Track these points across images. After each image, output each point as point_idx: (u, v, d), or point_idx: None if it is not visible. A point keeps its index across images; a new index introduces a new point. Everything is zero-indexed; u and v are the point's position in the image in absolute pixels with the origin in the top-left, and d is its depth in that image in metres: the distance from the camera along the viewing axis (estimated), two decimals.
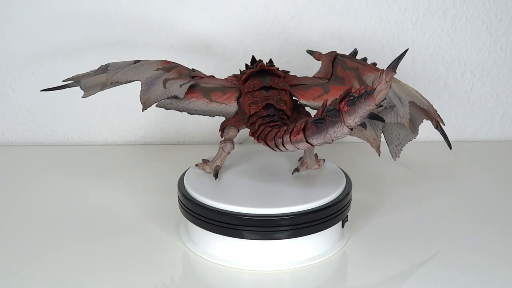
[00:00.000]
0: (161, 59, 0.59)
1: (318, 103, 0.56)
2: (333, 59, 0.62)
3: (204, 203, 0.53)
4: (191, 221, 0.54)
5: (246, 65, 0.60)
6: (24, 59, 0.82)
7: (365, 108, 0.42)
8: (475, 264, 0.53)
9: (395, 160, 0.59)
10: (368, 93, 0.42)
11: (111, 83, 0.56)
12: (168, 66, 0.58)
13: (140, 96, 0.54)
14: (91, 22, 0.80)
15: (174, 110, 0.56)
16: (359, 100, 0.42)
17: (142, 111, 0.54)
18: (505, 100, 0.85)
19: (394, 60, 0.41)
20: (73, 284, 0.51)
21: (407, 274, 0.52)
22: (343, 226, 0.57)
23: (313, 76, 0.61)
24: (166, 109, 0.56)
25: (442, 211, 0.64)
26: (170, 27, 0.80)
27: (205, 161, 0.59)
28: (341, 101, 0.44)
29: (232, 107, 0.56)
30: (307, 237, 0.52)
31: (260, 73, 0.57)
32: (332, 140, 0.45)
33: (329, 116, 0.44)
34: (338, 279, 0.53)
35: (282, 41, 0.81)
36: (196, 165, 0.60)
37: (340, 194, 0.54)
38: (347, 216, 0.57)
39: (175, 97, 0.54)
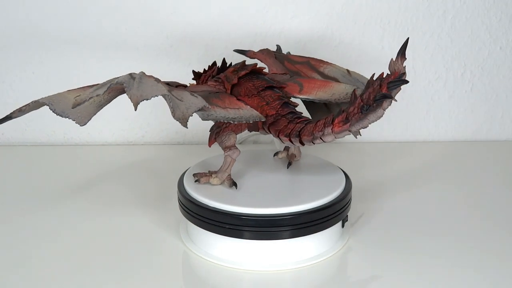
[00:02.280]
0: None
1: (305, 96, 0.57)
2: (274, 56, 0.63)
3: (204, 203, 0.53)
4: (191, 221, 0.54)
5: (205, 68, 0.59)
6: (24, 59, 0.82)
7: (398, 90, 0.48)
8: (475, 264, 0.53)
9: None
10: (400, 76, 0.47)
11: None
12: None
13: (178, 114, 0.49)
14: (91, 22, 0.80)
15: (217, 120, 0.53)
16: (396, 83, 0.47)
17: (185, 126, 0.49)
18: (505, 100, 0.85)
19: (401, 48, 0.47)
20: (73, 284, 0.51)
21: (407, 274, 0.52)
22: (343, 226, 0.57)
23: (273, 73, 0.61)
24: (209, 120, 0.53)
25: (442, 211, 0.64)
26: (170, 27, 0.80)
27: (203, 174, 0.56)
28: (380, 86, 0.48)
29: (251, 110, 0.54)
30: (307, 237, 0.52)
31: (251, 74, 0.56)
32: (367, 126, 0.50)
33: (376, 103, 0.48)
34: (338, 279, 0.53)
35: (282, 41, 0.81)
36: (196, 180, 0.56)
37: (340, 194, 0.54)
38: (347, 216, 0.57)
39: (201, 109, 0.51)
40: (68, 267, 0.53)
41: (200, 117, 0.51)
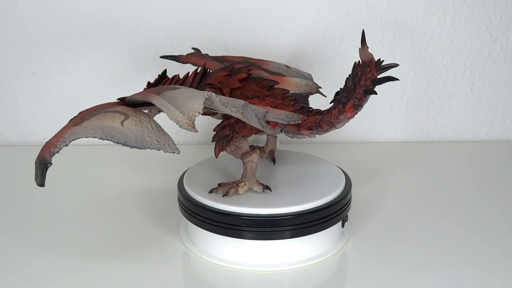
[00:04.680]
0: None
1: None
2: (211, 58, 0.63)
3: (204, 203, 0.53)
4: (191, 221, 0.54)
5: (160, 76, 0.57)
6: (24, 59, 0.82)
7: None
8: (476, 264, 0.53)
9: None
10: (378, 61, 0.53)
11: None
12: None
13: (255, 123, 0.48)
14: (92, 22, 0.80)
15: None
16: (386, 67, 0.52)
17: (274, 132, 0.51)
18: (505, 100, 0.85)
19: (362, 38, 0.52)
20: (73, 284, 0.51)
21: (407, 274, 0.52)
22: (343, 226, 0.57)
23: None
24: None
25: (442, 211, 0.64)
26: (170, 27, 0.80)
27: (229, 186, 0.53)
28: (372, 72, 0.52)
29: (285, 111, 0.54)
30: (307, 237, 0.52)
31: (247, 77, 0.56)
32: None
33: (375, 85, 0.52)
34: (338, 279, 0.53)
35: (282, 41, 0.81)
36: (224, 195, 0.53)
37: (340, 194, 0.54)
38: (347, 216, 0.57)
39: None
40: (68, 267, 0.53)
41: (255, 126, 0.50)
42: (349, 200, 0.56)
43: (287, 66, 0.63)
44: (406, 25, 0.81)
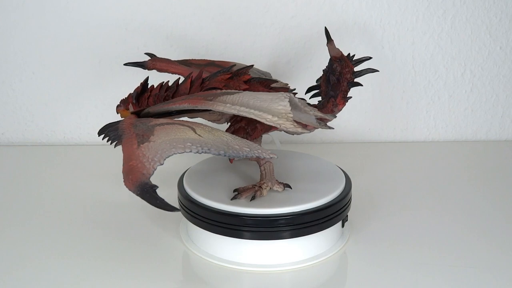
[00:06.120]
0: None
1: None
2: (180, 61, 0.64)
3: (204, 203, 0.53)
4: (191, 221, 0.54)
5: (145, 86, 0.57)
6: (24, 59, 0.82)
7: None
8: (476, 264, 0.53)
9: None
10: (349, 55, 0.57)
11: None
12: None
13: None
14: (92, 22, 0.80)
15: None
16: (360, 60, 0.57)
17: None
18: (505, 100, 0.85)
19: (326, 35, 0.57)
20: (73, 284, 0.51)
21: (407, 274, 0.52)
22: (343, 226, 0.57)
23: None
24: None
25: (442, 211, 0.64)
26: (170, 27, 0.80)
27: (252, 189, 0.53)
28: (349, 66, 0.56)
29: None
30: (307, 237, 0.52)
31: (237, 76, 0.56)
32: None
33: (356, 77, 0.56)
34: (338, 279, 0.53)
35: (282, 41, 0.81)
36: (252, 198, 0.52)
37: (340, 194, 0.54)
38: (347, 216, 0.57)
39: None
40: (68, 266, 0.53)
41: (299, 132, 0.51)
42: (349, 200, 0.56)
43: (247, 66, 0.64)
44: (406, 25, 0.81)
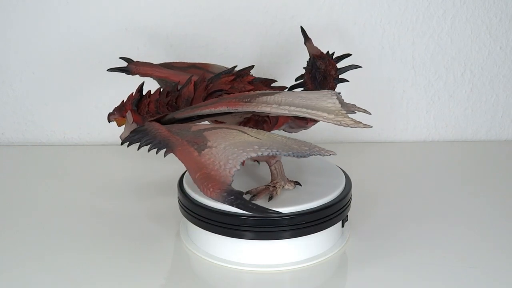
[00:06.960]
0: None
1: None
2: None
3: (204, 203, 0.53)
4: (191, 221, 0.54)
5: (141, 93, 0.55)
6: (24, 59, 0.82)
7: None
8: (476, 264, 0.53)
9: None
10: (328, 53, 0.60)
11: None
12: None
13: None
14: (92, 22, 0.80)
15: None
16: (342, 56, 0.60)
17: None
18: (505, 100, 0.85)
19: (303, 34, 0.61)
20: (73, 284, 0.51)
21: (407, 274, 0.52)
22: (343, 226, 0.57)
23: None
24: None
25: (442, 211, 0.64)
26: (170, 27, 0.80)
27: (267, 190, 0.53)
28: (332, 63, 0.59)
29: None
30: (307, 237, 0.52)
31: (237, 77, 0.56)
32: None
33: (341, 73, 0.59)
34: (338, 279, 0.53)
35: (282, 41, 0.81)
36: (270, 197, 0.52)
37: (340, 194, 0.54)
38: (347, 216, 0.57)
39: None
40: (68, 266, 0.53)
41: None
42: (349, 200, 0.56)
43: (224, 67, 0.64)
44: (406, 25, 0.81)
